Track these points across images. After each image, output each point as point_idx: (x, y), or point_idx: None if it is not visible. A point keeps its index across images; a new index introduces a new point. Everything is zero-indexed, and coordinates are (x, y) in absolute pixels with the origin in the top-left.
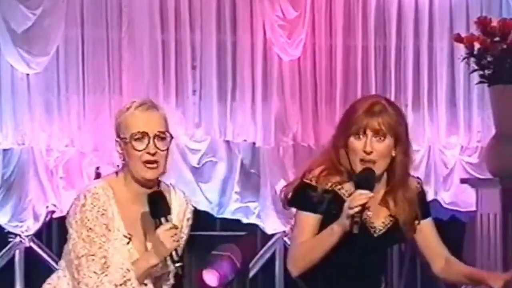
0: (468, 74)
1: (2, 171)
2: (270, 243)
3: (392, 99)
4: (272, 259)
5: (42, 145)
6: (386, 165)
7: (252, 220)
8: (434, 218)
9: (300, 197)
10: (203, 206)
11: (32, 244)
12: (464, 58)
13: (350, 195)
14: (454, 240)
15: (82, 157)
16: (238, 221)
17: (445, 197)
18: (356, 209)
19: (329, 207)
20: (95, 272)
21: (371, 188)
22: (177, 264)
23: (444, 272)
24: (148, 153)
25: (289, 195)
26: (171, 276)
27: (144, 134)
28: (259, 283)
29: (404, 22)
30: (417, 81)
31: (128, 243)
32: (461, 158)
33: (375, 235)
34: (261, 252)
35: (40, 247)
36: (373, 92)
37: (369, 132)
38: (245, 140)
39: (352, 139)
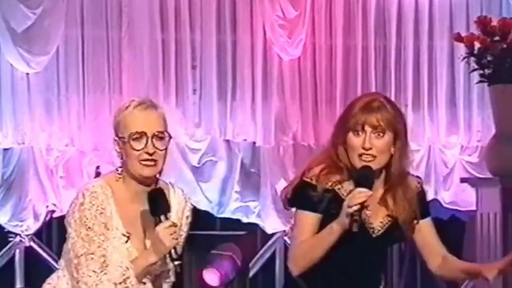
0: (468, 74)
1: (2, 171)
2: (270, 242)
3: (392, 98)
4: (272, 258)
5: (42, 145)
6: (385, 161)
7: (252, 219)
8: (434, 218)
9: (300, 196)
10: (203, 206)
11: (32, 244)
12: (464, 58)
13: (349, 193)
14: (454, 239)
15: (82, 156)
16: (238, 220)
17: (445, 197)
18: (355, 208)
19: (328, 207)
20: (94, 271)
21: (370, 186)
22: (176, 262)
23: (441, 269)
24: (147, 152)
25: (289, 195)
26: (171, 273)
27: (143, 134)
28: (259, 282)
29: (404, 22)
30: (417, 81)
31: (126, 241)
32: (461, 158)
33: (374, 235)
34: (261, 251)
35: (40, 247)
36: None
37: (367, 129)
38: (245, 140)
39: (350, 135)
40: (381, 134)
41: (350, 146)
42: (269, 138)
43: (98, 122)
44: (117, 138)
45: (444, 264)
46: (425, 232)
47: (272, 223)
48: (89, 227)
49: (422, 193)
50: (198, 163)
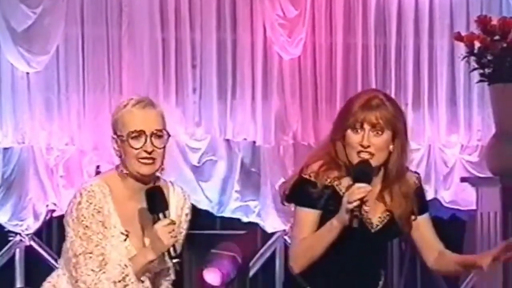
0: (468, 73)
1: (2, 170)
2: (270, 241)
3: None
4: (272, 257)
5: (42, 144)
6: (383, 158)
7: (252, 218)
8: (434, 217)
9: (299, 193)
10: (203, 205)
11: (32, 243)
12: (464, 57)
13: (347, 189)
14: (454, 238)
15: (82, 155)
16: (238, 220)
17: (445, 196)
18: (355, 203)
19: (327, 203)
20: (93, 270)
21: (368, 181)
22: (175, 260)
23: (437, 263)
24: (145, 151)
25: (288, 191)
26: (171, 271)
27: (141, 133)
28: (259, 282)
29: (404, 21)
30: (417, 80)
31: (125, 240)
32: (461, 157)
33: (373, 230)
34: (262, 251)
35: (40, 246)
36: None
37: (366, 126)
38: (245, 139)
39: (349, 132)
40: (379, 132)
41: (349, 143)
42: (269, 137)
43: (98, 121)
44: (115, 136)
45: (439, 258)
46: (422, 228)
47: (272, 222)
48: (86, 226)
49: (420, 189)
50: (198, 163)
